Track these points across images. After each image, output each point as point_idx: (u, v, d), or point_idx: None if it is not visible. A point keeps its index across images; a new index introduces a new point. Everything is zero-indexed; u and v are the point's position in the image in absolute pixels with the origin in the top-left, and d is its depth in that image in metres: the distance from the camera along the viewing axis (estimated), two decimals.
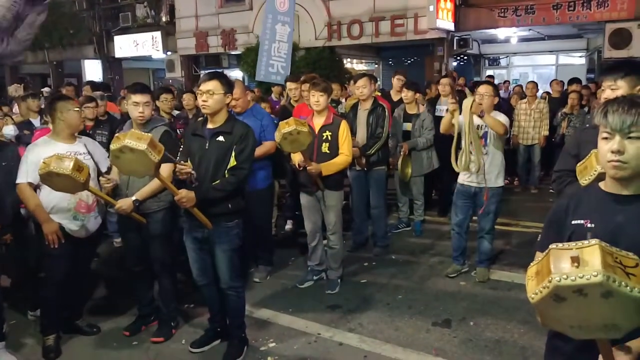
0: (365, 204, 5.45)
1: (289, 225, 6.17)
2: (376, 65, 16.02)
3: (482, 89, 4.36)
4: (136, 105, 3.43)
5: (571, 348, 1.72)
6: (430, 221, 6.36)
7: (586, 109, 7.88)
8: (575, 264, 1.23)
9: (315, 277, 4.64)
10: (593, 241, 1.28)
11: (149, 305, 3.88)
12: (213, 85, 3.12)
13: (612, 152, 1.56)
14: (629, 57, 10.14)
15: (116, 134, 2.99)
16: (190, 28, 16.07)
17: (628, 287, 1.21)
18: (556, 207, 1.82)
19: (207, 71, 4.35)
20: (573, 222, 1.70)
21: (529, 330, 3.68)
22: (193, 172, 3.09)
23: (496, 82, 11.33)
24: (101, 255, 5.24)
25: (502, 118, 4.34)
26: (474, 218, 4.74)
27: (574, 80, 8.66)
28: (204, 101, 3.13)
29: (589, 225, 1.65)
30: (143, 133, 2.91)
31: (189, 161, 3.18)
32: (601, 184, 1.74)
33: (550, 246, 1.33)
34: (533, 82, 8.23)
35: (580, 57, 15.56)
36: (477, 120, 4.29)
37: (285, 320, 3.97)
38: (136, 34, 17.17)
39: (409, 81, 6.00)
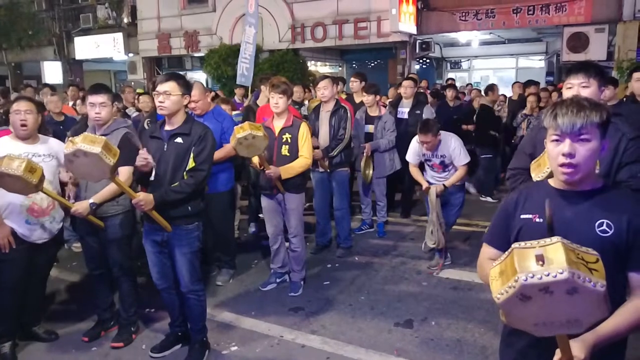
0: (329, 206, 5.47)
1: (252, 228, 6.12)
2: (340, 68, 16.12)
3: (422, 138, 4.60)
4: (92, 106, 3.35)
5: (523, 344, 1.76)
6: (393, 222, 6.43)
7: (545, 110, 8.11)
8: (540, 262, 1.25)
9: (278, 280, 4.62)
10: (555, 239, 1.30)
11: (109, 310, 3.80)
12: (170, 86, 3.08)
13: (564, 154, 1.58)
14: (587, 60, 10.54)
15: (69, 138, 2.91)
16: (152, 30, 15.84)
17: (591, 283, 1.24)
18: (506, 201, 1.84)
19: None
20: (522, 216, 1.73)
21: (489, 329, 3.75)
22: (151, 160, 3.04)
23: (458, 84, 11.56)
24: (60, 260, 5.08)
25: (464, 159, 4.66)
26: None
27: (531, 83, 8.94)
28: (160, 102, 3.07)
29: (537, 220, 1.68)
30: (97, 136, 2.84)
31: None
32: (551, 181, 1.76)
33: (513, 245, 1.34)
34: (477, 89, 8.47)
35: (539, 60, 16.04)
36: (430, 152, 4.75)
37: (248, 324, 3.94)
38: (97, 35, 16.84)
39: (367, 84, 6.05)
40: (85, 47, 17.21)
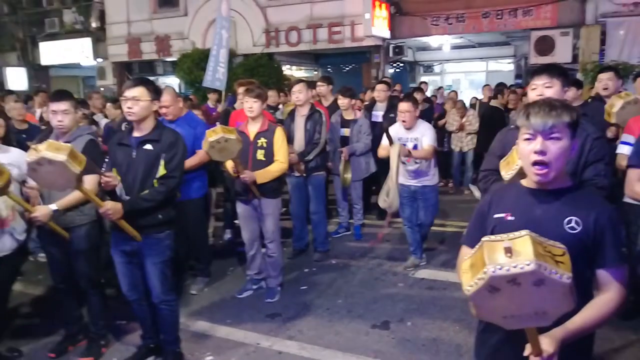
0: (305, 210, 5.44)
1: (227, 235, 6.05)
2: (315, 72, 16.14)
3: (403, 107, 4.58)
4: (54, 114, 3.25)
5: (497, 340, 1.79)
6: (370, 225, 6.44)
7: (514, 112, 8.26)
8: (509, 255, 1.28)
9: (254, 287, 4.57)
10: (523, 232, 1.33)
11: (77, 323, 3.69)
12: (138, 91, 3.01)
13: (535, 152, 1.63)
14: (551, 62, 10.82)
15: (32, 146, 2.81)
16: (122, 34, 15.57)
17: (558, 274, 1.27)
18: (481, 202, 1.90)
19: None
20: (495, 215, 1.77)
21: (464, 327, 3.78)
22: (118, 183, 2.96)
23: (430, 88, 11.71)
24: (25, 273, 4.92)
25: (430, 139, 4.61)
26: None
27: (499, 86, 9.13)
28: (129, 108, 3.00)
29: (509, 218, 1.73)
30: (62, 143, 2.75)
31: (114, 171, 3.05)
32: (523, 181, 1.81)
33: (482, 239, 1.37)
34: (461, 101, 8.62)
35: (508, 63, 16.36)
36: (405, 134, 4.67)
37: (223, 332, 3.88)
38: (64, 40, 16.42)
39: (342, 88, 6.05)
40: (52, 53, 16.75)
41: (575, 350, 1.63)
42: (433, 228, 5.67)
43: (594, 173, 2.35)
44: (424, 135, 4.65)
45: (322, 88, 6.35)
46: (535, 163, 1.64)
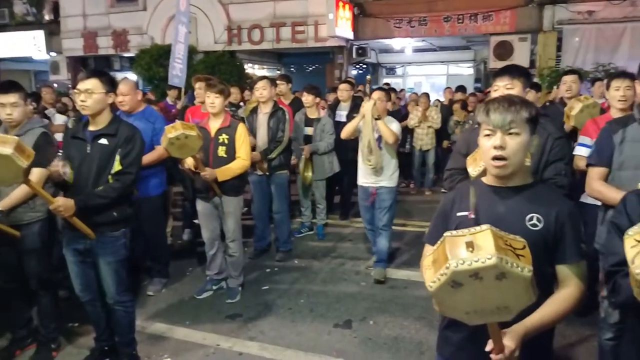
0: (268, 209, 5.37)
1: (186, 235, 5.90)
2: (278, 72, 16.03)
3: (376, 95, 4.52)
4: (3, 106, 3.07)
5: (459, 338, 1.79)
6: (333, 224, 6.43)
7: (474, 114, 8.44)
8: (470, 249, 1.28)
9: (214, 287, 4.47)
10: (484, 227, 1.33)
11: (26, 326, 3.51)
12: (92, 83, 2.88)
13: (495, 147, 1.65)
14: (515, 64, 11.13)
15: None
16: (77, 28, 15.03)
17: (519, 268, 1.28)
18: (444, 201, 1.90)
19: None
20: (458, 214, 1.78)
21: (424, 325, 3.81)
22: (62, 170, 2.83)
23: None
24: None
25: (395, 127, 4.51)
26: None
27: (459, 89, 9.32)
28: (82, 101, 2.87)
29: (471, 216, 1.73)
30: (8, 136, 2.59)
31: (67, 165, 2.90)
32: (484, 179, 1.82)
33: (444, 234, 1.36)
34: (425, 94, 8.71)
35: (468, 67, 16.77)
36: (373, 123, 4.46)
37: (181, 334, 3.77)
38: (14, 32, 15.67)
39: (308, 85, 6.01)
40: (1, 45, 15.95)
41: (536, 346, 1.65)
42: (394, 227, 5.70)
43: (554, 172, 2.40)
44: (389, 124, 4.50)
45: (282, 86, 6.28)
46: (494, 158, 1.66)
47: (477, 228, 1.34)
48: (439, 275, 1.30)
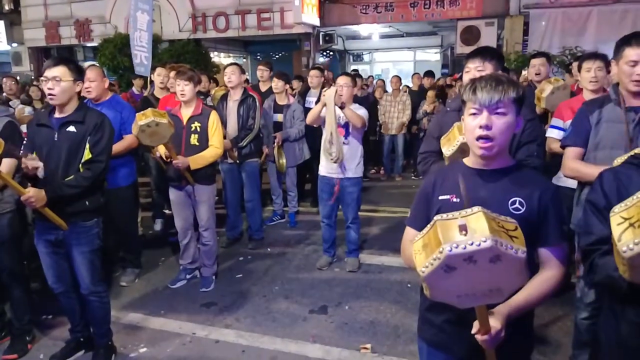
0: (239, 198, 5.35)
1: (157, 225, 5.83)
2: (244, 60, 15.87)
3: (342, 80, 4.42)
4: None
5: (441, 320, 1.79)
6: (304, 212, 6.45)
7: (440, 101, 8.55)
8: (464, 232, 1.26)
9: (188, 276, 4.44)
10: (476, 209, 1.31)
11: None
12: (59, 71, 2.79)
13: (481, 127, 1.62)
14: (486, 46, 11.24)
15: None
16: (38, 17, 14.52)
17: (513, 249, 1.27)
18: (425, 183, 1.86)
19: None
20: (440, 197, 1.75)
21: (400, 309, 3.88)
22: (40, 164, 2.75)
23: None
24: None
25: (362, 112, 4.43)
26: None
27: (428, 74, 9.40)
28: (49, 89, 2.78)
29: (454, 200, 1.70)
30: None
31: (34, 154, 2.82)
32: (466, 160, 1.79)
33: (435, 218, 1.34)
34: (397, 76, 8.74)
35: (435, 53, 16.92)
36: (338, 112, 4.33)
37: (157, 323, 3.74)
38: None
39: (278, 71, 5.97)
40: None
41: (519, 326, 1.67)
42: (366, 214, 5.78)
43: (526, 154, 2.38)
44: (357, 110, 4.42)
45: (265, 73, 6.25)
46: (480, 137, 1.63)
47: (469, 210, 1.31)
48: (432, 259, 1.27)
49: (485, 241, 1.23)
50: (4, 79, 7.38)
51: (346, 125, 4.42)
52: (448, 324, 1.77)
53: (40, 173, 2.78)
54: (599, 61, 3.39)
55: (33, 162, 2.73)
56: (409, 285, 4.26)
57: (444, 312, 1.75)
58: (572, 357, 2.93)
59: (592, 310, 2.74)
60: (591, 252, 1.62)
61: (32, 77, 13.38)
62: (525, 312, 1.65)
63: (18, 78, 12.59)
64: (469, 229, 1.26)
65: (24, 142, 3.08)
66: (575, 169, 2.73)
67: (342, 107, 4.26)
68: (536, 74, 4.52)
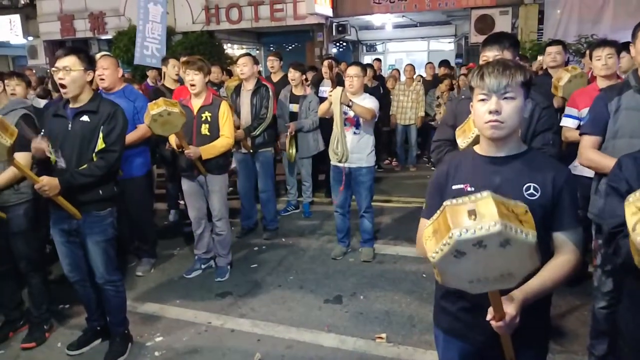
0: (253, 188, 5.34)
1: (172, 216, 5.86)
2: (257, 51, 15.82)
3: (352, 70, 4.39)
4: None
5: (456, 309, 1.78)
6: (319, 202, 6.43)
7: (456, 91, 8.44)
8: (473, 217, 1.24)
9: (203, 266, 4.45)
10: (485, 193, 1.30)
11: (17, 308, 3.50)
12: (70, 61, 2.80)
13: (490, 112, 1.61)
14: (503, 32, 11.05)
15: None
16: (53, 11, 14.63)
17: (523, 234, 1.25)
18: (437, 173, 1.84)
19: None
20: (453, 187, 1.73)
21: (415, 299, 3.85)
22: (47, 148, 2.78)
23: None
24: None
25: (372, 104, 4.37)
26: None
27: (443, 63, 9.27)
28: (60, 79, 2.79)
29: (468, 189, 1.69)
30: None
31: (45, 138, 2.85)
32: (477, 148, 1.78)
33: (444, 203, 1.33)
34: (411, 65, 8.64)
35: (449, 42, 16.67)
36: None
37: (173, 313, 3.76)
38: None
39: (294, 62, 5.94)
40: None
41: (535, 312, 1.64)
42: (380, 204, 5.74)
43: (542, 142, 2.35)
44: (365, 100, 4.40)
45: (276, 63, 6.24)
46: (489, 122, 1.62)
47: (478, 195, 1.30)
48: (442, 245, 1.27)
49: (494, 225, 1.22)
50: (26, 71, 7.45)
51: (357, 116, 4.38)
52: (463, 312, 1.76)
53: (60, 164, 2.80)
54: (608, 48, 3.32)
55: (38, 144, 2.75)
56: (424, 275, 4.23)
57: (459, 300, 1.74)
58: (590, 346, 2.88)
59: (610, 299, 2.69)
60: (615, 235, 1.59)
61: (48, 70, 13.53)
62: (541, 298, 1.62)
63: (34, 72, 12.78)
64: (478, 214, 1.25)
65: (41, 133, 3.10)
66: (592, 159, 2.68)
67: (349, 106, 4.21)
68: (552, 61, 4.45)
